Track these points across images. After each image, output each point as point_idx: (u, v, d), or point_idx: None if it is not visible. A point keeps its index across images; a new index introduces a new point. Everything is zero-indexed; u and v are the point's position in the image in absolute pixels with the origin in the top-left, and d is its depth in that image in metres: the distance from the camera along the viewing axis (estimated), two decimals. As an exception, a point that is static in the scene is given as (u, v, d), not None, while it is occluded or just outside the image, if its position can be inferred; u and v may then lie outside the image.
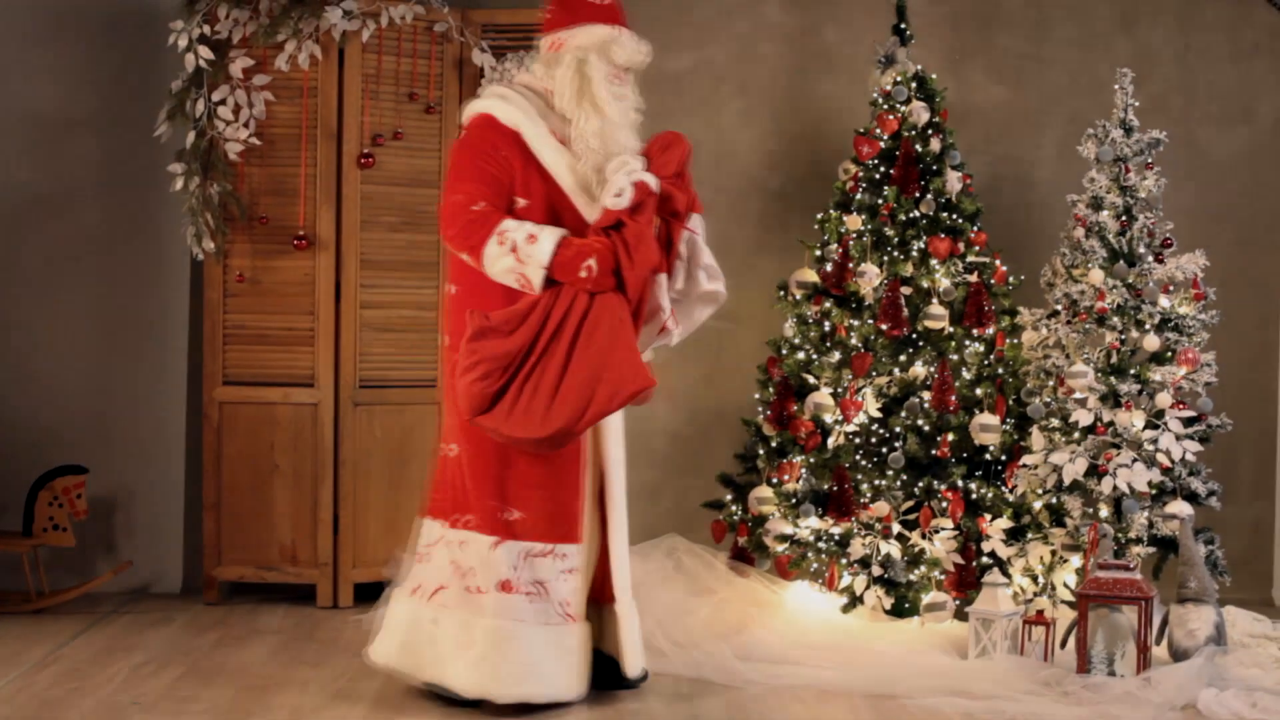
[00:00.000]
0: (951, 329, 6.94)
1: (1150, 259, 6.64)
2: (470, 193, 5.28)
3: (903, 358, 6.92)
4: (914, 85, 7.12)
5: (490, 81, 7.07)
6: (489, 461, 5.31)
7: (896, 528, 6.70)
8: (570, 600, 5.36)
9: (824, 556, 6.71)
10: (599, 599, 5.56)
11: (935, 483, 6.75)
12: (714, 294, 5.64)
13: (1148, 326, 6.58)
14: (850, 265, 6.97)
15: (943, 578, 6.65)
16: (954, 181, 7.02)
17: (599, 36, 5.43)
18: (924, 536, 6.70)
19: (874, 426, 6.88)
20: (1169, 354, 6.58)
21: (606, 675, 5.55)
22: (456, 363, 5.30)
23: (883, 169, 7.09)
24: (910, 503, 6.75)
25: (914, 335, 6.95)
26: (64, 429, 7.27)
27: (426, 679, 5.38)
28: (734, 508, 7.06)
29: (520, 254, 5.22)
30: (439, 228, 5.36)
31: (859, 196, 7.07)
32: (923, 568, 6.65)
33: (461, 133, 5.42)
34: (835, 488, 6.73)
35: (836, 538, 6.71)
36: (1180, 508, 6.38)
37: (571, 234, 5.30)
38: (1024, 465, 6.63)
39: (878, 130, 7.10)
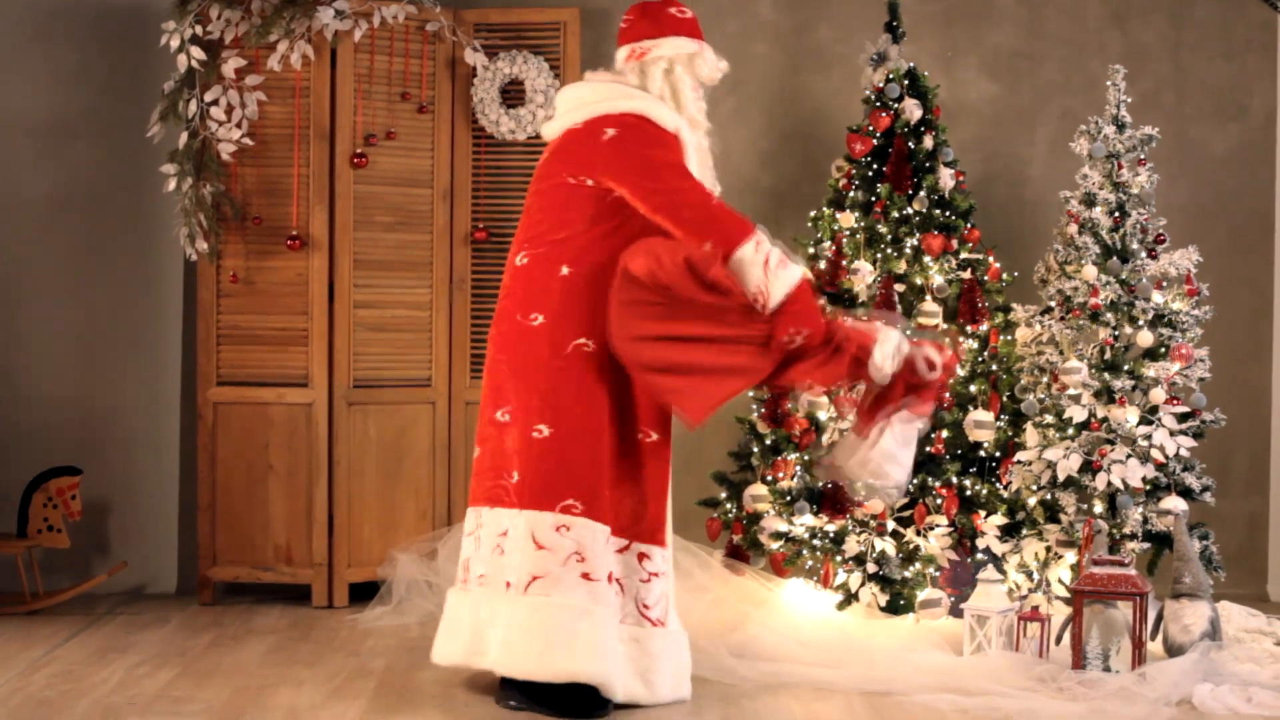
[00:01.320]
0: (945, 326, 6.94)
1: (1143, 255, 6.64)
2: (703, 188, 5.25)
3: (897, 355, 6.91)
4: (906, 82, 7.12)
5: (479, 81, 7.07)
6: (595, 446, 5.23)
7: (891, 525, 6.71)
8: (651, 604, 5.32)
9: (819, 554, 6.71)
10: None
11: (930, 479, 6.75)
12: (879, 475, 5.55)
13: (1141, 322, 6.59)
14: (844, 263, 6.97)
15: (937, 574, 6.66)
16: (947, 178, 7.02)
17: (685, 49, 5.45)
18: (919, 533, 6.70)
19: (868, 424, 6.87)
20: (1162, 350, 6.59)
21: None
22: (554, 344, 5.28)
23: (875, 166, 7.10)
24: (905, 500, 6.75)
25: (908, 332, 6.95)
26: (58, 430, 7.27)
27: (542, 673, 5.20)
28: (729, 506, 7.06)
29: (769, 270, 5.16)
30: (677, 220, 5.21)
31: (852, 194, 7.08)
32: (917, 564, 6.65)
33: (615, 130, 5.31)
34: (830, 485, 6.73)
35: (831, 535, 6.71)
36: (1175, 503, 6.39)
37: None
38: (1018, 461, 6.64)
39: (870, 128, 7.10)
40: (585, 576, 5.18)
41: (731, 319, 5.17)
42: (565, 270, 5.31)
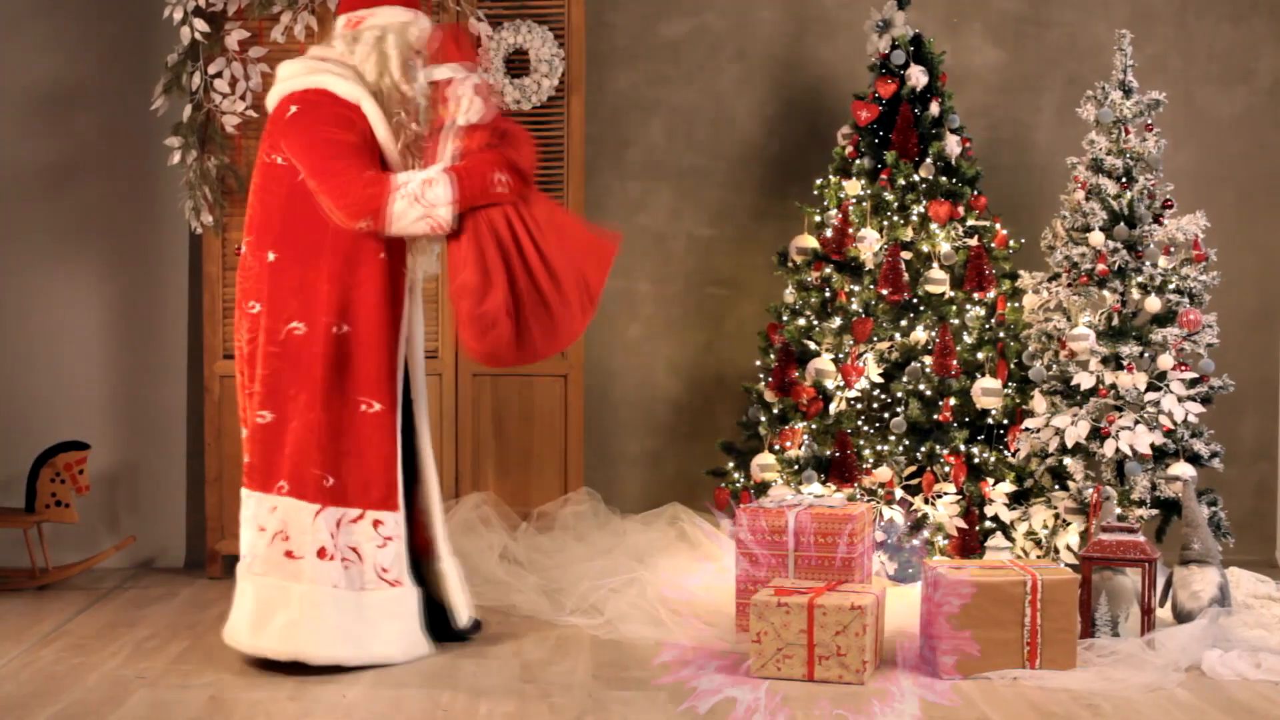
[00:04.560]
0: (952, 293, 6.93)
1: (1150, 221, 6.62)
2: (354, 165, 5.47)
3: (904, 323, 6.91)
4: (912, 49, 7.09)
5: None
6: (309, 429, 5.49)
7: (899, 493, 6.70)
8: (389, 566, 5.57)
9: (827, 522, 6.71)
10: (424, 555, 5.81)
11: (937, 447, 6.75)
12: None
13: (1149, 288, 6.57)
14: (850, 230, 6.96)
15: (946, 542, 6.65)
16: (953, 145, 7.00)
17: (398, 18, 5.68)
18: (927, 501, 6.70)
19: (876, 392, 6.87)
20: (1170, 315, 6.58)
21: (444, 626, 5.82)
22: (257, 330, 5.57)
23: (881, 133, 7.08)
24: (913, 468, 6.75)
25: (915, 300, 6.94)
26: (65, 405, 7.27)
27: (247, 647, 5.53)
28: (736, 475, 7.06)
29: (424, 201, 5.43)
30: (329, 206, 5.48)
31: (858, 161, 7.06)
32: (926, 533, 6.65)
33: (297, 107, 5.55)
34: (837, 454, 6.73)
35: (839, 504, 6.71)
36: (1183, 469, 6.38)
37: None
38: (1026, 429, 6.63)
39: (876, 94, 7.08)
40: (288, 554, 5.48)
41: (483, 252, 5.45)
42: (272, 256, 5.55)
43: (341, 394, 5.52)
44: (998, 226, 7.03)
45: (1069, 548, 6.48)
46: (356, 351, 5.54)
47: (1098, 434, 6.46)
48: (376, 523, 5.55)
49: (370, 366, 5.55)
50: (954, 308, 6.90)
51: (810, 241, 7.08)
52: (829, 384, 6.87)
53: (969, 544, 6.62)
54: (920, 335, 6.88)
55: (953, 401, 6.79)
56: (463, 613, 5.84)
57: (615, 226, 7.57)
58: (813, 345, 6.94)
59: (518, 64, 7.14)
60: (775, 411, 7.00)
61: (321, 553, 5.47)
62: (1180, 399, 6.43)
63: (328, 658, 5.44)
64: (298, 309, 5.52)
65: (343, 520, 5.51)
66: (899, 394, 6.83)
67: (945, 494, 6.68)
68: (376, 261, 5.55)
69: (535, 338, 5.45)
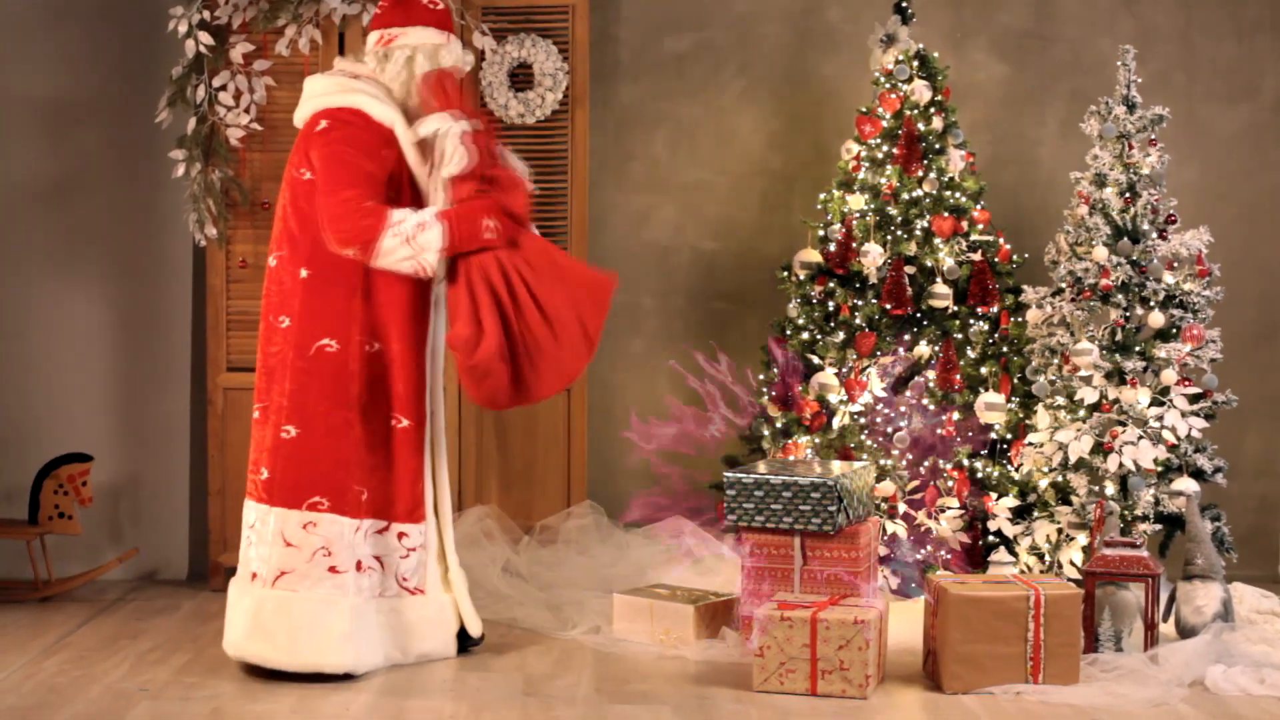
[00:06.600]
0: (956, 308, 6.93)
1: (1154, 236, 6.63)
2: (361, 193, 5.47)
3: (907, 337, 6.91)
4: (916, 64, 7.10)
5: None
6: (349, 445, 5.55)
7: (902, 507, 6.70)
8: (409, 575, 5.67)
9: (830, 537, 6.70)
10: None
11: (941, 462, 6.74)
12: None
13: (1152, 303, 6.57)
14: (853, 245, 6.96)
15: (949, 557, 6.65)
16: (957, 160, 7.01)
17: (430, 40, 5.71)
18: (930, 516, 6.70)
19: (879, 406, 6.87)
20: (1174, 330, 6.58)
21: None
22: (280, 349, 5.61)
23: (885, 148, 7.08)
24: (916, 482, 6.75)
25: (918, 314, 6.94)
26: (68, 416, 7.27)
27: (290, 664, 5.50)
28: (739, 489, 7.05)
29: (414, 243, 5.46)
30: (323, 224, 5.50)
31: (861, 176, 7.06)
32: (929, 547, 6.65)
33: (327, 122, 5.59)
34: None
35: (842, 518, 6.70)
36: (1186, 484, 6.38)
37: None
38: (1029, 444, 6.63)
39: (880, 109, 7.09)
40: (332, 570, 5.52)
41: (475, 301, 5.49)
42: (304, 273, 5.59)
43: (375, 410, 5.59)
44: (1001, 241, 7.03)
45: (1072, 562, 6.48)
46: (388, 369, 5.61)
47: (1101, 449, 6.45)
48: (400, 535, 5.64)
49: (400, 383, 5.61)
50: (957, 322, 6.91)
51: (814, 256, 7.08)
52: (832, 398, 6.87)
53: (972, 559, 6.62)
54: (924, 350, 6.88)
55: (956, 416, 6.78)
56: (474, 623, 5.86)
57: (618, 240, 7.60)
58: (816, 359, 6.94)
59: (522, 78, 7.15)
60: (779, 425, 7.00)
61: (359, 566, 5.55)
62: (1184, 414, 6.43)
63: (370, 665, 5.56)
64: (330, 326, 5.55)
65: (371, 531, 5.59)
66: (902, 408, 6.82)
67: (948, 508, 6.67)
68: (406, 280, 5.58)
69: (531, 381, 5.51)
